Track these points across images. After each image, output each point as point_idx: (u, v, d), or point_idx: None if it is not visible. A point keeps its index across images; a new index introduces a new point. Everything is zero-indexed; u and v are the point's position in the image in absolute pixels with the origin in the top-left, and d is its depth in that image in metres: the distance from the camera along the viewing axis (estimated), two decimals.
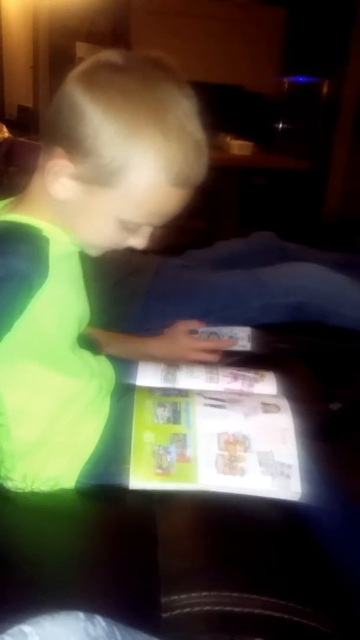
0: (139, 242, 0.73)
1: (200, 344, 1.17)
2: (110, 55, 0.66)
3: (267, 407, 0.86)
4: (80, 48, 4.06)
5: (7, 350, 0.70)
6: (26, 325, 0.68)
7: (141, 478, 0.77)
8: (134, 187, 0.65)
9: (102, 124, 0.61)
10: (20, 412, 0.77)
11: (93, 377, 0.84)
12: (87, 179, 0.65)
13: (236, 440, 0.81)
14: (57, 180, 0.66)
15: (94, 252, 0.77)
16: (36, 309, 0.67)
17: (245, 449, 0.80)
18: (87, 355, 0.86)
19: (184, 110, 0.64)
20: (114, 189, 0.65)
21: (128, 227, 0.70)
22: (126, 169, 0.63)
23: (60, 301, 0.71)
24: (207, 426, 0.83)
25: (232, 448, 0.80)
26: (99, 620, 0.46)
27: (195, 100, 0.66)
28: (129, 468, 0.77)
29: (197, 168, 0.66)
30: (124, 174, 0.64)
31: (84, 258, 0.79)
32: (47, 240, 0.66)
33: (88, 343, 0.89)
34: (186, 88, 0.65)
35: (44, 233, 0.67)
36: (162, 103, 0.63)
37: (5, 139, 3.09)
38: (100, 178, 0.64)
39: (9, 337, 0.67)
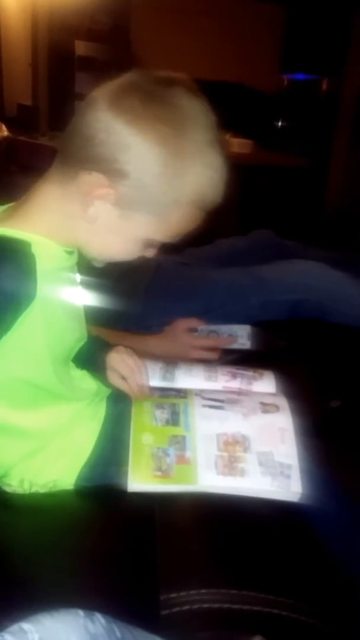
0: (151, 253, 0.74)
1: (200, 341, 1.17)
2: (142, 79, 0.66)
3: (266, 407, 0.86)
4: (80, 46, 4.05)
5: None
6: (13, 344, 0.67)
7: (140, 480, 0.77)
8: (176, 216, 0.67)
9: (156, 159, 0.63)
10: (3, 424, 0.76)
11: (77, 399, 0.83)
12: (127, 205, 0.66)
13: (235, 441, 0.81)
14: (91, 203, 0.66)
15: (99, 263, 0.77)
16: (24, 328, 0.66)
17: (245, 450, 0.80)
18: (78, 376, 0.85)
19: (217, 141, 0.67)
20: (155, 216, 0.67)
21: (152, 245, 0.72)
22: (169, 200, 0.66)
23: (50, 319, 0.70)
24: (206, 427, 0.83)
25: (232, 449, 0.80)
26: (99, 617, 0.46)
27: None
28: (127, 470, 0.77)
29: (221, 193, 0.69)
30: (166, 204, 0.66)
31: (84, 257, 0.79)
32: (33, 258, 0.66)
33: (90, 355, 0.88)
34: (212, 113, 0.67)
35: (32, 249, 0.66)
36: (203, 135, 0.65)
37: (5, 138, 3.08)
38: (142, 206, 0.66)
39: None
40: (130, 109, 0.63)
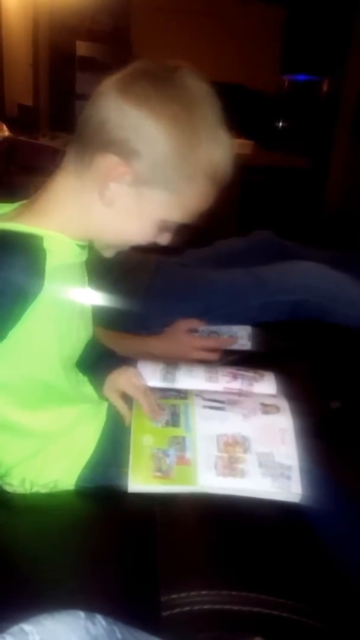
0: (166, 239, 0.75)
1: (200, 342, 1.17)
2: (149, 66, 0.68)
3: (266, 407, 0.86)
4: (81, 46, 4.05)
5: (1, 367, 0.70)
6: (23, 339, 0.68)
7: (140, 481, 0.77)
8: (191, 191, 0.68)
9: (169, 134, 0.65)
10: (8, 424, 0.76)
11: (82, 402, 0.83)
12: (142, 184, 0.67)
13: (235, 442, 0.81)
14: (107, 187, 0.67)
15: (110, 253, 0.77)
16: (33, 322, 0.67)
17: (245, 450, 0.80)
18: (81, 380, 0.85)
19: (222, 119, 0.69)
20: (172, 193, 0.68)
21: (167, 227, 0.72)
22: (182, 175, 0.67)
23: (59, 315, 0.71)
24: (206, 428, 0.83)
25: (232, 449, 0.80)
26: (99, 619, 0.46)
27: None
28: (128, 471, 0.77)
29: (231, 169, 0.70)
30: (179, 180, 0.67)
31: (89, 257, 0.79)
32: (44, 252, 0.66)
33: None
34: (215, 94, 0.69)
35: (44, 244, 0.67)
36: (211, 113, 0.67)
37: (5, 138, 3.09)
38: (155, 183, 0.67)
39: (4, 352, 0.67)
40: (141, 92, 0.65)
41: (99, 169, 0.67)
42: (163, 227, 0.72)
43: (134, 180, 0.67)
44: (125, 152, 0.65)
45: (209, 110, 0.67)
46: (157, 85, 0.65)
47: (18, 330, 0.67)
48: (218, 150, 0.68)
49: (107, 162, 0.66)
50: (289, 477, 0.77)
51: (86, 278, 0.80)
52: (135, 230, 0.72)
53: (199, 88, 0.67)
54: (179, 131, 0.65)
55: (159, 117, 0.64)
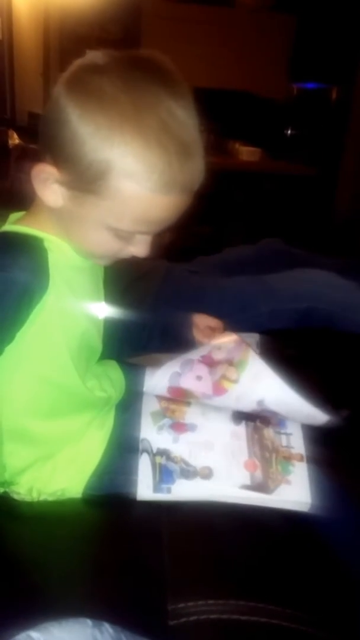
0: (139, 250, 0.70)
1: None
2: (94, 56, 0.62)
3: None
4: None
5: (9, 369, 0.70)
6: (32, 339, 0.68)
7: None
8: (115, 195, 0.61)
9: (78, 128, 0.59)
10: (19, 430, 0.76)
11: (93, 407, 0.84)
12: (71, 185, 0.63)
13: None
14: (48, 187, 0.65)
15: (100, 262, 0.76)
16: (40, 321, 0.67)
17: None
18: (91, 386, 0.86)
19: (168, 110, 0.59)
20: (96, 196, 0.62)
21: (120, 236, 0.67)
22: (106, 175, 0.60)
23: (65, 314, 0.70)
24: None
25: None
26: (107, 627, 0.46)
27: (187, 101, 0.61)
28: (136, 479, 0.77)
29: (183, 172, 0.61)
30: (105, 181, 0.61)
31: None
32: (46, 251, 0.66)
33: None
34: (175, 88, 0.61)
35: (45, 244, 0.67)
36: (139, 104, 0.59)
37: (16, 146, 3.11)
38: (82, 185, 0.62)
39: (13, 352, 0.68)
40: (72, 81, 0.61)
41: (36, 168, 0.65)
42: (117, 236, 0.66)
43: (64, 182, 0.63)
44: (54, 149, 0.63)
45: (147, 102, 0.58)
46: (89, 73, 0.60)
47: (28, 332, 0.67)
48: (152, 148, 0.58)
49: (41, 162, 0.65)
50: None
51: (99, 285, 0.80)
52: (88, 238, 0.68)
53: (137, 76, 0.59)
54: (97, 120, 0.58)
55: (75, 105, 0.59)
